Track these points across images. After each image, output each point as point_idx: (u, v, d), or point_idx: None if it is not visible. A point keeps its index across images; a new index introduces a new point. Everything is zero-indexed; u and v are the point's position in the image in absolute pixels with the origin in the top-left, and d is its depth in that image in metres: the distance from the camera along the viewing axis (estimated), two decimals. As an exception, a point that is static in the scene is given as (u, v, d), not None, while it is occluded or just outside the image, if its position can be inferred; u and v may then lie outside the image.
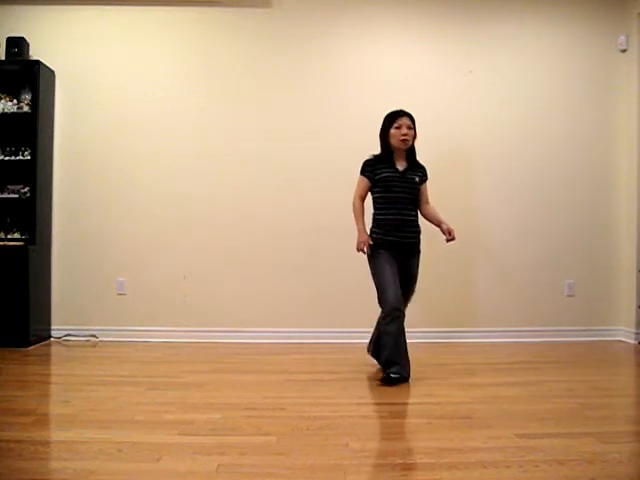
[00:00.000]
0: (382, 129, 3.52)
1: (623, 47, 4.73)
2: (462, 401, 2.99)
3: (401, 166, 3.48)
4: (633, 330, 4.57)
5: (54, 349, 4.29)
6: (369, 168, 3.49)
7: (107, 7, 4.62)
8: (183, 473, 2.07)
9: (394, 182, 3.42)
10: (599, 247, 4.78)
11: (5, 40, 4.41)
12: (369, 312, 4.59)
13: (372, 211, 3.53)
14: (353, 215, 3.51)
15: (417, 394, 3.16)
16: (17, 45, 4.40)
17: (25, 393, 3.09)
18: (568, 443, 2.36)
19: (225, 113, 4.65)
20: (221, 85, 4.65)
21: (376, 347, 3.55)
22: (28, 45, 4.49)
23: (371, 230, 3.51)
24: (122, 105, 4.63)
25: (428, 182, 3.67)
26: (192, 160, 4.64)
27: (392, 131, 3.44)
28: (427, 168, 3.65)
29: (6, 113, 4.37)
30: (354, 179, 3.59)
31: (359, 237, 3.46)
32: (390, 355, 3.31)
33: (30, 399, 2.97)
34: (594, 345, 4.53)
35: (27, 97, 4.40)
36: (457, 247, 4.66)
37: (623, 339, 4.66)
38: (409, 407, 2.88)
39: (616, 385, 3.53)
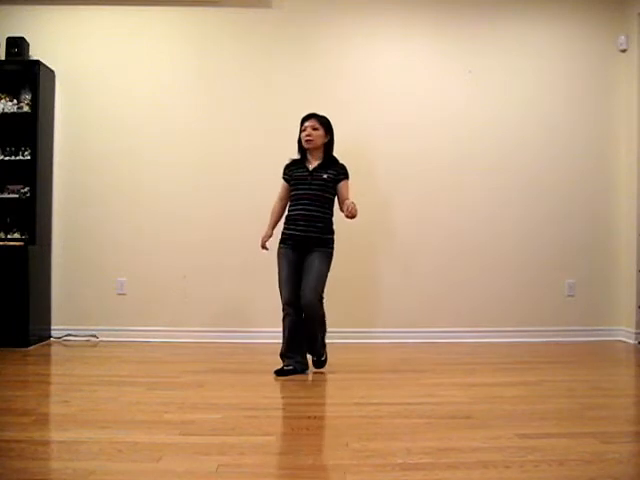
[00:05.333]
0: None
1: (623, 47, 4.73)
2: (462, 401, 2.99)
3: (312, 165, 3.63)
4: (633, 330, 4.57)
5: (54, 349, 4.29)
6: (286, 170, 3.70)
7: (107, 7, 4.62)
8: (183, 473, 2.07)
9: (301, 180, 3.59)
10: (599, 247, 4.78)
11: (5, 40, 4.40)
12: (369, 312, 4.62)
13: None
14: None
15: (417, 394, 3.16)
16: (17, 45, 4.39)
17: (25, 393, 3.09)
18: (568, 443, 2.36)
19: (225, 113, 4.64)
20: (221, 85, 4.64)
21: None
22: (28, 45, 4.49)
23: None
24: (122, 105, 4.62)
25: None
26: (192, 159, 4.63)
27: (300, 135, 3.64)
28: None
29: (6, 113, 4.37)
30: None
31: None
32: (283, 349, 3.55)
33: (30, 399, 2.97)
34: (594, 345, 4.52)
35: (27, 97, 4.40)
36: (457, 247, 4.69)
37: (623, 339, 4.66)
38: (409, 407, 2.87)
39: (616, 385, 3.54)
